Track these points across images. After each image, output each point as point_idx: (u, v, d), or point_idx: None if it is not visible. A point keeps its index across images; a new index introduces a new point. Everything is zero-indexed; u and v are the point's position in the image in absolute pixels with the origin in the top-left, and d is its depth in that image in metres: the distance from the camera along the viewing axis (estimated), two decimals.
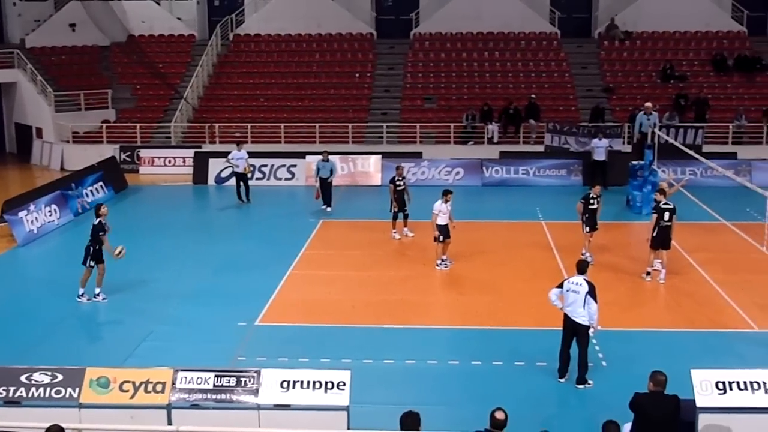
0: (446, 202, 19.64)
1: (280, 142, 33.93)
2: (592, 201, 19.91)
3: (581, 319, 13.28)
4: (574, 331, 13.43)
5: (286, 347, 15.13)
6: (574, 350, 13.53)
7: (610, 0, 40.10)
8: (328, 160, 25.92)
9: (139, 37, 40.50)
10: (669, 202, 18.53)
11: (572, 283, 13.42)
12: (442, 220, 19.61)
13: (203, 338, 15.70)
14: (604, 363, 14.35)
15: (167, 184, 31.33)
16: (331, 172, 25.93)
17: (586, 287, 13.25)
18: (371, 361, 14.50)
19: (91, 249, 17.63)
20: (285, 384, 11.17)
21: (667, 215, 18.32)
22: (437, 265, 19.92)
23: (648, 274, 18.87)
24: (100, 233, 17.62)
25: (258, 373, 11.34)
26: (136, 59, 38.48)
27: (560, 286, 13.59)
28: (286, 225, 24.67)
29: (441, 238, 19.71)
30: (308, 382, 11.14)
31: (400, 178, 22.49)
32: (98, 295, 17.79)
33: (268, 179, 31.05)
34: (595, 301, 13.26)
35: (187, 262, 20.90)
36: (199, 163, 31.87)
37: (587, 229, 20.00)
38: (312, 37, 40.05)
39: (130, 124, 35.48)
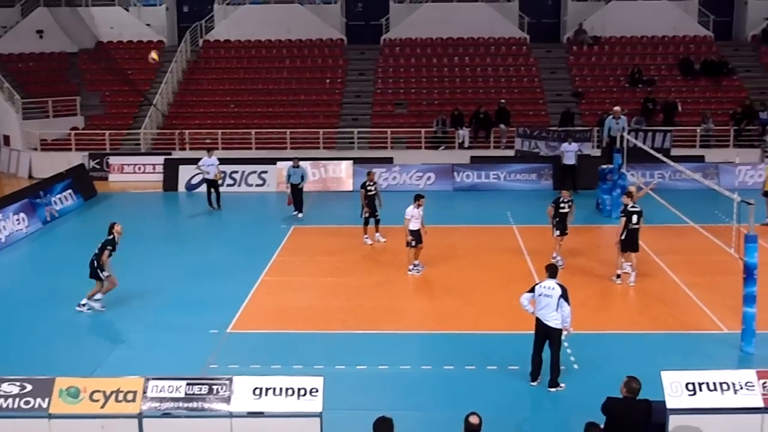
0: (418, 206, 19.69)
1: (250, 149, 33.86)
2: (562, 205, 20.04)
3: (553, 322, 13.35)
4: (546, 335, 13.49)
5: (258, 354, 15.08)
6: (546, 354, 13.59)
7: (578, 5, 40.46)
8: (298, 167, 25.88)
9: (107, 43, 40.24)
10: (636, 205, 18.73)
11: (544, 287, 13.49)
12: (414, 225, 19.64)
13: (174, 346, 15.60)
14: (575, 366, 14.43)
15: (137, 192, 31.11)
16: (302, 178, 25.90)
17: (559, 291, 13.33)
18: (344, 367, 14.49)
19: (95, 263, 17.37)
20: (257, 391, 11.12)
21: (635, 218, 18.51)
22: (409, 270, 19.94)
23: (618, 276, 19.02)
24: (108, 247, 17.38)
25: (230, 380, 11.29)
26: (105, 66, 38.25)
27: (531, 290, 13.66)
28: (257, 231, 24.60)
29: (413, 242, 19.74)
30: (281, 389, 11.10)
31: (372, 184, 22.51)
32: (83, 305, 17.59)
33: (239, 186, 30.96)
34: (569, 304, 13.35)
35: (158, 270, 20.75)
36: (169, 170, 31.69)
37: (557, 232, 20.12)
38: (282, 43, 40.05)
39: (99, 131, 35.25)
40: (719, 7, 40.72)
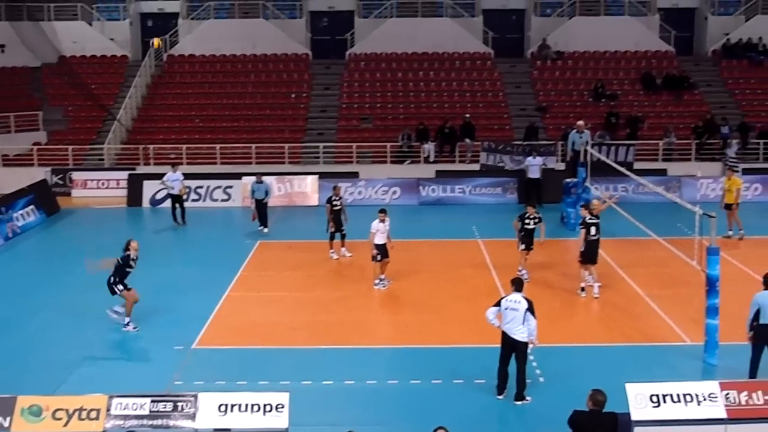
0: (382, 221, 19.70)
1: (215, 163, 33.71)
2: (527, 221, 20.10)
3: (520, 336, 13.40)
4: (512, 348, 13.54)
5: (223, 370, 14.98)
6: (512, 367, 13.63)
7: (541, 21, 40.89)
8: (262, 182, 25.79)
9: (70, 57, 39.95)
10: (594, 217, 19.00)
11: (510, 301, 13.54)
12: (379, 239, 19.66)
13: (139, 363, 15.47)
14: (541, 379, 14.49)
15: (101, 207, 30.82)
16: (266, 193, 25.81)
17: (525, 304, 13.39)
18: (310, 382, 14.42)
19: (112, 279, 17.08)
20: (223, 408, 11.06)
21: (594, 230, 18.79)
22: (375, 285, 19.93)
23: (582, 290, 19.16)
24: (127, 269, 17.12)
25: (195, 397, 11.20)
26: (68, 80, 37.91)
27: (497, 304, 13.69)
28: (222, 247, 24.46)
29: (379, 257, 19.74)
30: (246, 405, 11.04)
31: (337, 198, 22.52)
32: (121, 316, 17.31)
33: (204, 201, 30.77)
34: (534, 317, 13.41)
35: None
36: (133, 185, 31.46)
37: (522, 246, 20.23)
38: (247, 58, 39.99)
39: (62, 146, 34.89)
40: (680, 22, 41.39)
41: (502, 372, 13.74)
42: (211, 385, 13.71)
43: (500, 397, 13.74)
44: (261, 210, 25.70)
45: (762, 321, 13.67)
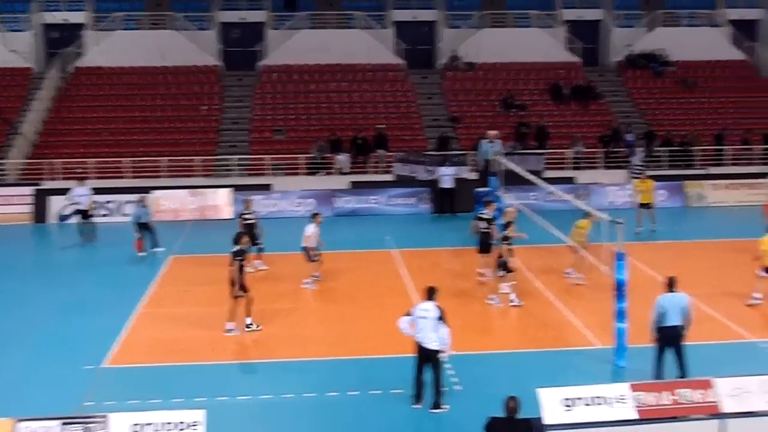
0: (318, 224, 20.62)
1: (125, 177, 33.07)
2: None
3: (432, 344, 13.48)
4: (426, 357, 13.61)
5: (136, 389, 14.66)
6: (428, 376, 13.70)
7: (452, 32, 41.39)
8: (146, 206, 25.11)
9: None
10: (487, 213, 20.47)
11: (421, 309, 13.62)
12: (311, 243, 20.31)
13: (47, 385, 15.00)
14: (457, 387, 14.59)
15: (4, 225, 29.90)
16: (148, 215, 25.16)
17: (434, 312, 13.49)
18: (226, 398, 14.24)
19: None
20: (136, 427, 10.83)
21: (483, 224, 20.31)
22: (304, 283, 20.45)
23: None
24: (239, 258, 17.41)
25: (106, 417, 10.95)
26: None
27: (409, 313, 13.77)
28: (134, 262, 24.00)
29: (316, 257, 20.54)
30: (160, 424, 10.85)
31: (249, 212, 22.34)
32: (250, 324, 17.64)
33: (114, 216, 30.18)
34: (446, 326, 13.50)
35: (27, 306, 19.96)
36: (38, 201, 30.67)
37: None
38: (157, 69, 39.39)
39: None
40: (586, 34, 42.43)
41: (417, 381, 13.79)
42: (123, 405, 13.40)
43: (417, 406, 13.78)
44: (148, 230, 25.00)
45: (665, 324, 14.06)
